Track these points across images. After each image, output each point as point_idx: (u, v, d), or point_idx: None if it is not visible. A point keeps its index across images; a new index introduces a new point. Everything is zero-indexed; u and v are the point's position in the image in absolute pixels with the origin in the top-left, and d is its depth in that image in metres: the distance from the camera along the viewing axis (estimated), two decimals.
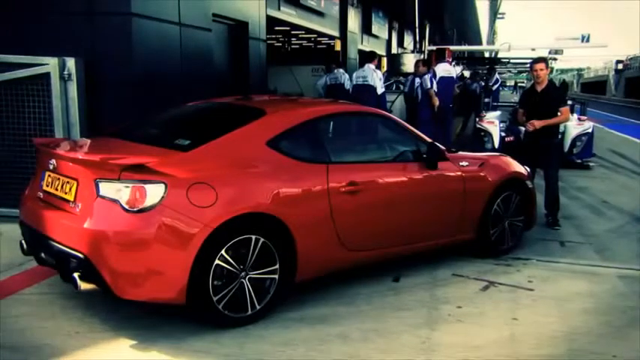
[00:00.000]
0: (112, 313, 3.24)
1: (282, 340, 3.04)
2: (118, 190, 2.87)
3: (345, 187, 3.50)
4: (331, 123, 3.82)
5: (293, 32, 12.84)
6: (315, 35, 13.20)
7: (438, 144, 4.09)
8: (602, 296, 3.80)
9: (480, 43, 36.57)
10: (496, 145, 9.07)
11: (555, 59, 23.70)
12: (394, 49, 17.81)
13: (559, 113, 5.26)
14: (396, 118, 4.13)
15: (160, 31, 5.40)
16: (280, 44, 15.18)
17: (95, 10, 4.97)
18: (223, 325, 3.10)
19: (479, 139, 9.46)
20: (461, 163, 4.22)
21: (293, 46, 15.70)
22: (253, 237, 3.10)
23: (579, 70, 74.92)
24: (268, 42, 14.52)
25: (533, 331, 3.25)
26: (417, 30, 16.48)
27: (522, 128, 8.64)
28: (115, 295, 2.87)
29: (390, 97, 10.62)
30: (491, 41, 42.64)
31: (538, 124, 5.15)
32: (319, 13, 11.12)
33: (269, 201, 3.17)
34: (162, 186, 2.87)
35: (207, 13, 6.29)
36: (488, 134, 9.33)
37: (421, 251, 4.14)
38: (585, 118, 10.59)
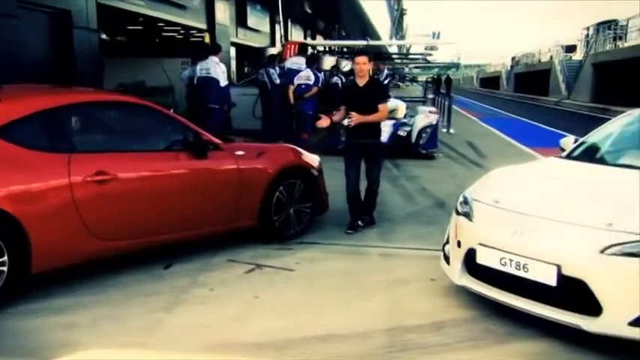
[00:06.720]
0: None
1: None
2: None
3: (92, 177, 3.52)
4: (81, 112, 3.78)
5: (159, 24, 12.53)
6: (182, 27, 12.98)
7: (206, 133, 4.21)
8: (356, 273, 4.10)
9: (379, 39, 38.18)
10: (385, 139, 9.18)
11: (430, 54, 25.30)
12: (279, 43, 17.98)
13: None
14: (160, 107, 4.16)
15: None
16: (148, 36, 14.77)
17: None
18: None
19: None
20: (236, 153, 4.37)
21: (164, 38, 15.35)
22: None
23: (480, 66, 79.49)
24: (134, 32, 14.05)
25: (267, 306, 3.47)
26: (282, 23, 16.79)
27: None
28: None
29: (255, 91, 10.75)
30: (401, 37, 46.24)
31: (356, 118, 4.86)
32: (176, 5, 10.92)
33: None
34: None
35: None
36: None
37: (194, 239, 4.26)
38: (435, 111, 11.32)
